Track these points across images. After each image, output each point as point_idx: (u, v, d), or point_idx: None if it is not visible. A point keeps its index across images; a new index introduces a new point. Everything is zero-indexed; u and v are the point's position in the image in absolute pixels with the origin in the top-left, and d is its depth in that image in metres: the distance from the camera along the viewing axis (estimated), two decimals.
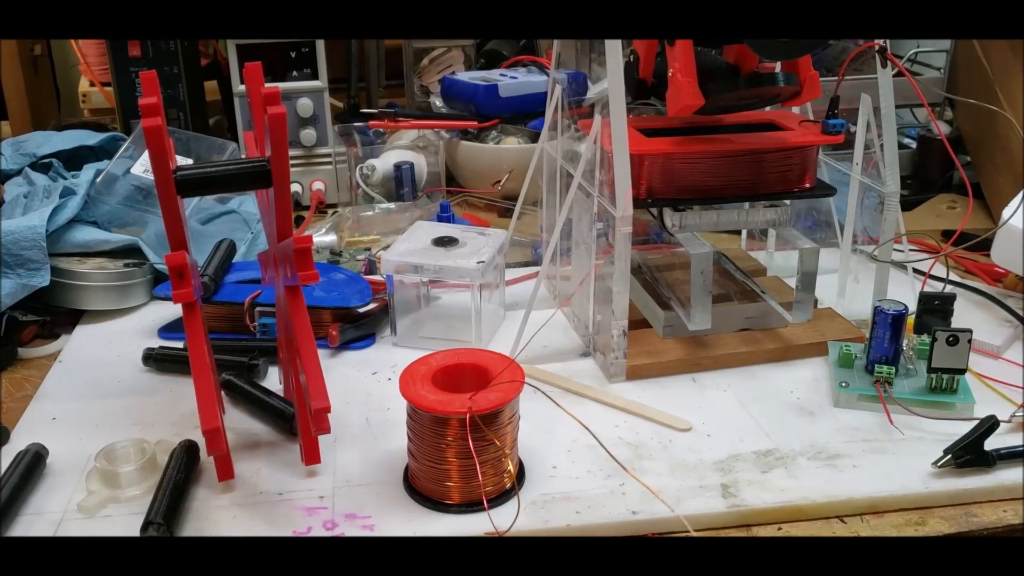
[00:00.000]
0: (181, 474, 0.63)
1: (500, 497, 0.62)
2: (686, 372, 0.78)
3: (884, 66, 0.78)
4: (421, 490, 0.63)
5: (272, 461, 0.67)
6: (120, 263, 0.91)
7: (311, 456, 0.64)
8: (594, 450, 0.66)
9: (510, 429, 0.62)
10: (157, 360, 0.79)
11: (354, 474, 0.65)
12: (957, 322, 0.79)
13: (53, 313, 0.88)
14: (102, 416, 0.73)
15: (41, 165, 1.05)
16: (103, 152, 1.09)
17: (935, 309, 0.79)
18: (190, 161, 1.01)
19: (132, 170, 0.98)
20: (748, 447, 0.68)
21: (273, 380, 0.78)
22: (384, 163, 1.16)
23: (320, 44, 1.15)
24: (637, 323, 0.82)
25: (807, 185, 0.79)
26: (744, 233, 1.03)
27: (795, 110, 0.87)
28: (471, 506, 0.61)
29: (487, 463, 0.61)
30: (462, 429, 0.59)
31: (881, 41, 0.78)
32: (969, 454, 0.65)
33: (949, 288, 0.83)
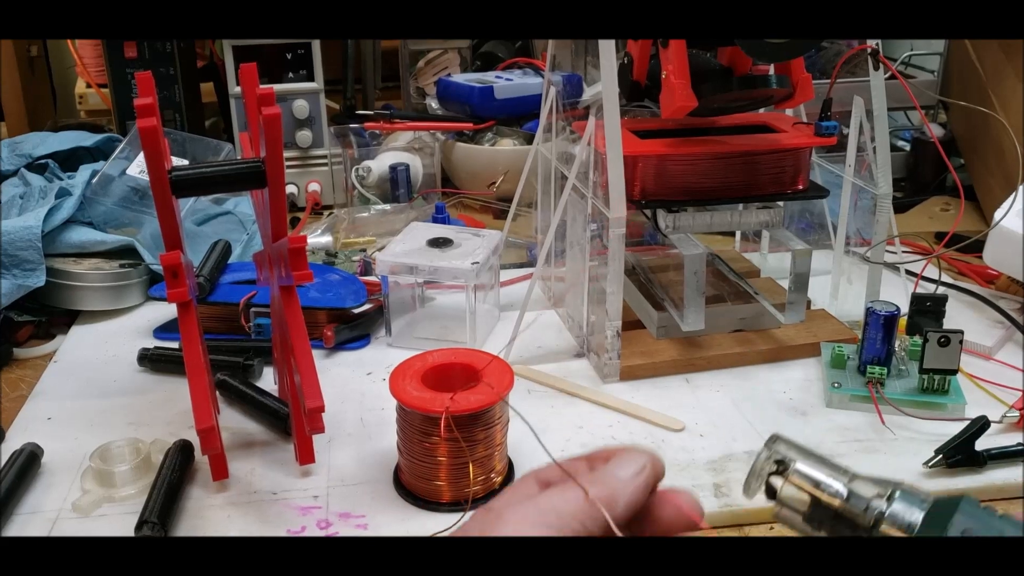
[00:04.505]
0: (176, 473, 0.63)
1: (488, 497, 0.62)
2: (679, 373, 0.79)
3: (876, 68, 0.78)
4: (408, 487, 0.63)
5: (266, 460, 0.67)
6: (116, 264, 0.91)
7: (305, 456, 0.64)
8: (587, 451, 0.67)
9: (498, 430, 0.62)
10: (152, 360, 0.80)
11: (348, 473, 0.66)
12: (949, 323, 0.80)
13: (49, 313, 0.89)
14: (97, 416, 0.73)
15: (37, 166, 1.05)
16: (99, 153, 1.10)
17: (927, 310, 0.80)
18: (186, 162, 1.01)
19: (128, 171, 0.98)
20: (741, 447, 0.69)
21: (268, 380, 0.78)
22: (380, 164, 1.16)
23: (316, 46, 1.16)
24: (631, 324, 0.83)
25: (800, 187, 0.80)
26: (738, 234, 1.03)
27: (788, 112, 0.87)
28: (460, 505, 0.61)
29: (476, 463, 0.61)
30: (447, 428, 0.59)
31: (873, 44, 0.78)
32: (960, 454, 0.65)
33: (941, 289, 0.83)
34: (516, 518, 0.37)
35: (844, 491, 0.38)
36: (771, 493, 0.40)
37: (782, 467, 0.40)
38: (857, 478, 0.39)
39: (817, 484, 0.39)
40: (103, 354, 0.83)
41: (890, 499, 0.37)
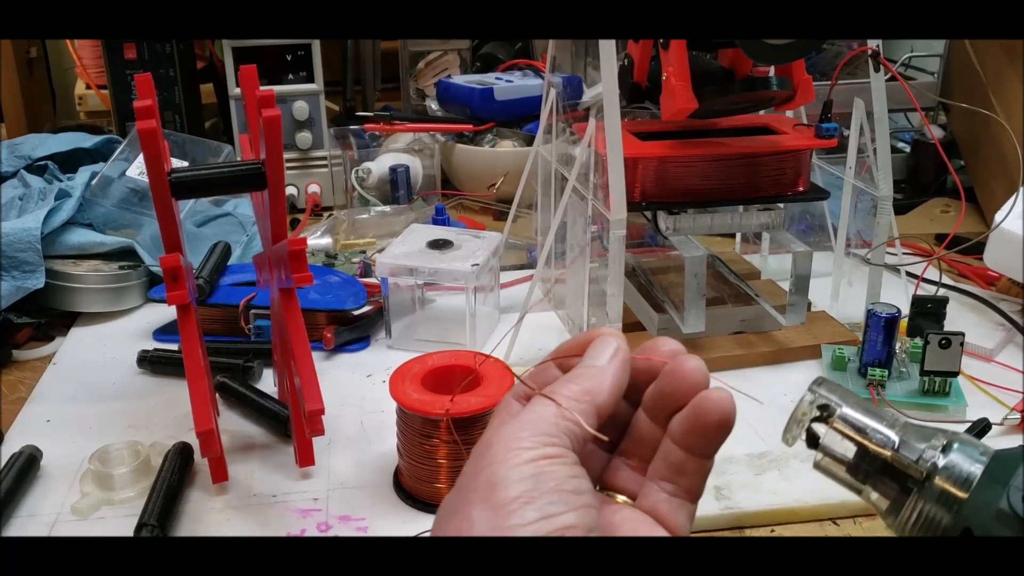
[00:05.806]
0: (175, 476, 0.63)
1: None
2: None
3: (877, 70, 0.78)
4: (408, 490, 0.63)
5: (266, 463, 0.67)
6: (115, 265, 0.91)
7: (305, 458, 0.64)
8: None
9: None
10: (152, 362, 0.79)
11: (348, 476, 0.65)
12: (950, 325, 0.80)
13: (48, 315, 0.88)
14: (96, 418, 0.73)
15: (36, 167, 1.05)
16: (99, 154, 1.09)
17: (928, 312, 0.80)
18: (186, 164, 1.01)
19: (127, 172, 0.98)
20: (741, 449, 0.68)
21: (268, 382, 0.78)
22: (380, 166, 1.16)
23: (316, 47, 1.16)
24: (631, 326, 0.82)
25: (800, 189, 0.80)
26: (738, 236, 1.03)
27: (789, 114, 0.87)
28: None
29: None
30: (447, 431, 0.59)
31: (874, 45, 0.78)
32: None
33: (942, 291, 0.83)
34: (505, 437, 0.37)
35: (895, 439, 0.34)
36: (812, 441, 0.37)
37: (826, 413, 0.36)
38: (909, 426, 0.35)
39: (864, 431, 0.35)
40: (102, 356, 0.83)
41: (946, 450, 0.34)
